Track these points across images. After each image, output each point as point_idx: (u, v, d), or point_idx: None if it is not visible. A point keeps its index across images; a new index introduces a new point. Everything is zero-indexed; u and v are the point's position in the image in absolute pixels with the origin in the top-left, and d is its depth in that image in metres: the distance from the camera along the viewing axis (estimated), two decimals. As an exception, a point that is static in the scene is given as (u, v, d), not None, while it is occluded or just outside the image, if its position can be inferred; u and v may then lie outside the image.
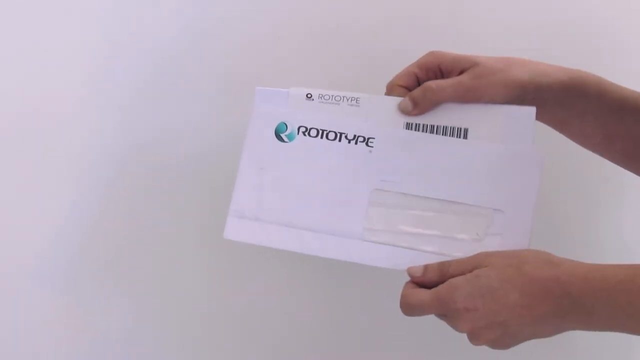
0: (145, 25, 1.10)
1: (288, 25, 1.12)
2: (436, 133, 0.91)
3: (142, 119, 1.11)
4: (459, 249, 0.89)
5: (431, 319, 0.90)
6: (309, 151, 0.91)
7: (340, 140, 0.91)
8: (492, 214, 0.90)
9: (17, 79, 1.09)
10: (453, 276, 0.85)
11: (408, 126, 0.91)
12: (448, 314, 0.85)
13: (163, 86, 1.11)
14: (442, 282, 0.86)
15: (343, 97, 0.92)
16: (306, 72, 1.09)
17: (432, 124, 0.91)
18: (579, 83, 0.93)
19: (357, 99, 0.92)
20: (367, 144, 0.91)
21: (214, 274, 1.15)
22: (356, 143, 0.91)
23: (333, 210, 0.90)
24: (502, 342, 0.85)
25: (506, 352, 0.88)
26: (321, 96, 0.92)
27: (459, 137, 0.91)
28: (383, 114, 0.91)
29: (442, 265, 0.87)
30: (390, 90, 0.92)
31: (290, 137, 0.92)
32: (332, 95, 0.92)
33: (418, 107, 0.90)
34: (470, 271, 0.85)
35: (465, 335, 0.86)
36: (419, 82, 0.92)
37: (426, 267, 0.88)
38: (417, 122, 0.91)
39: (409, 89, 0.92)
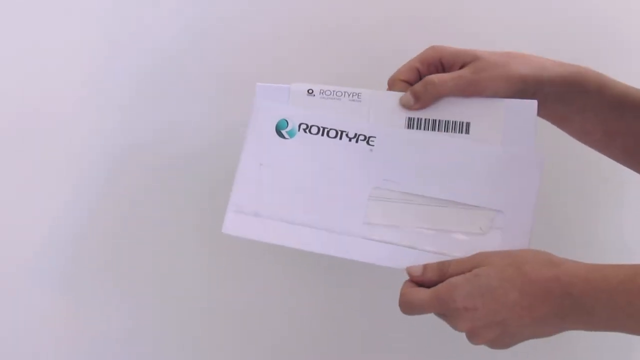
0: (145, 25, 1.10)
1: (288, 25, 1.12)
2: (438, 127, 0.91)
3: (142, 119, 1.11)
4: (459, 249, 0.89)
5: (431, 319, 0.90)
6: (310, 148, 0.91)
7: (341, 138, 0.91)
8: (492, 214, 0.90)
9: (17, 79, 1.09)
10: (452, 276, 0.85)
11: (410, 121, 0.91)
12: (447, 313, 0.85)
13: (163, 86, 1.11)
14: (442, 281, 0.86)
15: (344, 92, 0.92)
16: (306, 72, 1.09)
17: (434, 118, 0.91)
18: (579, 78, 0.93)
19: (358, 94, 0.92)
20: (368, 142, 0.91)
21: (213, 273, 1.15)
22: (357, 141, 0.91)
23: (333, 207, 0.90)
24: (502, 341, 0.85)
25: (505, 352, 0.88)
26: (322, 92, 0.92)
27: (461, 132, 0.91)
28: (384, 109, 0.91)
29: (441, 264, 0.87)
30: (392, 85, 0.93)
31: (291, 134, 0.91)
32: (334, 91, 0.92)
33: (420, 101, 0.90)
34: (470, 270, 0.85)
35: (464, 335, 0.86)
36: (420, 77, 0.92)
37: (426, 267, 0.88)
38: (419, 116, 0.91)
39: (410, 83, 0.92)
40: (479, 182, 0.90)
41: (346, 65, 1.12)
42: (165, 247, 1.13)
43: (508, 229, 0.89)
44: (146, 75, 1.11)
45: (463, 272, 0.85)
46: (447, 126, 0.91)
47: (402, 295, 0.87)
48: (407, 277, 0.88)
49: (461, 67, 0.91)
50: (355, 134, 0.91)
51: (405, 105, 0.91)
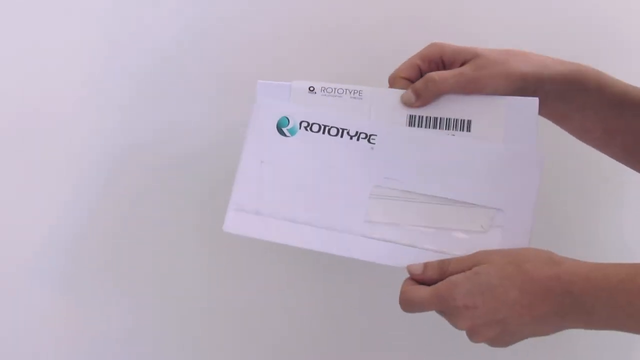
0: (145, 25, 1.10)
1: (288, 25, 1.12)
2: (439, 125, 0.91)
3: (142, 119, 1.11)
4: (459, 247, 0.89)
5: (431, 318, 0.90)
6: (311, 146, 0.91)
7: (342, 136, 0.91)
8: (492, 212, 0.90)
9: (17, 79, 1.09)
10: (453, 274, 0.85)
11: (411, 119, 0.91)
12: (447, 311, 0.85)
13: (163, 86, 1.11)
14: (442, 279, 0.86)
15: (345, 89, 0.92)
16: (306, 72, 1.08)
17: (435, 116, 0.91)
18: (579, 76, 0.93)
19: (359, 92, 0.92)
20: (369, 140, 0.91)
21: (213, 273, 1.15)
22: (358, 139, 0.91)
23: (334, 205, 0.90)
24: (501, 340, 0.85)
25: (506, 351, 0.88)
26: (324, 89, 0.92)
27: (462, 130, 0.91)
28: (386, 106, 0.91)
29: (442, 263, 0.87)
30: (393, 82, 0.93)
31: (292, 132, 0.91)
32: (335, 88, 0.92)
33: (420, 98, 0.90)
34: (470, 269, 0.85)
35: (464, 333, 0.86)
36: (421, 74, 0.92)
37: (426, 265, 0.88)
38: (420, 114, 0.91)
39: (411, 80, 0.92)
40: (480, 180, 0.90)
41: (346, 66, 1.12)
42: (165, 247, 1.13)
43: (508, 227, 0.89)
44: (146, 75, 1.11)
45: (463, 270, 0.85)
46: (448, 124, 0.91)
47: (402, 293, 0.87)
48: (407, 275, 0.89)
49: (462, 65, 0.91)
50: (357, 132, 0.91)
51: (406, 103, 0.91)
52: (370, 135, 0.91)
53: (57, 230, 1.11)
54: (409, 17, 1.12)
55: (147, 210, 1.13)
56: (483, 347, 0.88)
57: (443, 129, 0.91)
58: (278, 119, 0.92)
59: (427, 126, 0.91)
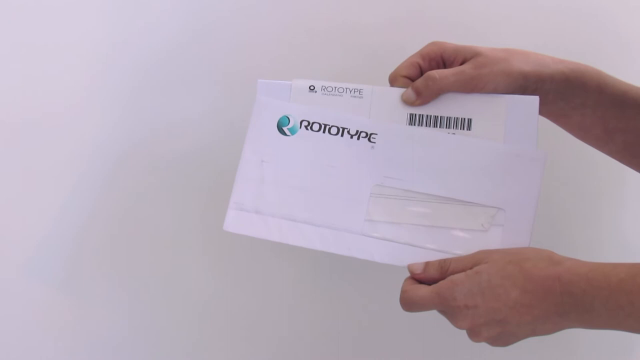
0: (146, 24, 1.10)
1: (288, 23, 1.12)
2: (440, 124, 0.91)
3: (142, 118, 1.11)
4: (460, 246, 0.89)
5: (431, 317, 0.90)
6: (311, 145, 0.91)
7: (342, 135, 0.91)
8: (493, 211, 0.90)
9: (17, 79, 1.09)
10: (453, 273, 0.86)
11: (411, 117, 0.91)
12: (448, 310, 0.85)
13: (163, 85, 1.11)
14: (443, 279, 0.86)
15: (346, 88, 0.92)
16: (307, 71, 1.09)
17: (436, 114, 0.91)
18: (579, 75, 0.93)
19: (360, 91, 0.92)
20: (369, 139, 0.91)
21: (213, 272, 1.15)
22: (358, 138, 0.91)
23: (334, 204, 0.90)
24: (502, 339, 0.85)
25: (506, 350, 0.88)
26: (324, 88, 0.92)
27: (463, 128, 0.91)
28: (386, 105, 0.91)
29: (442, 262, 0.87)
30: (394, 81, 0.92)
31: (293, 131, 0.91)
32: (335, 87, 0.92)
33: (421, 96, 0.90)
34: (471, 268, 0.85)
35: (465, 333, 0.86)
36: (421, 72, 0.92)
37: (427, 264, 0.88)
38: (421, 112, 0.91)
39: (412, 79, 0.92)
40: (481, 179, 0.90)
41: (346, 65, 1.12)
42: (165, 246, 1.13)
43: (509, 226, 0.89)
44: (146, 74, 1.11)
45: (464, 270, 0.85)
46: (449, 122, 0.91)
47: (403, 292, 0.87)
48: (407, 274, 0.88)
49: (462, 63, 0.91)
50: (357, 131, 0.91)
51: (406, 101, 0.91)
52: (370, 134, 0.91)
53: (56, 230, 1.11)
54: (410, 16, 1.12)
55: (147, 209, 1.13)
56: (483, 346, 0.88)
57: (444, 127, 0.91)
58: (278, 118, 0.92)
59: (428, 125, 0.91)
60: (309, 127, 0.91)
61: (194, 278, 1.14)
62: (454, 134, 0.91)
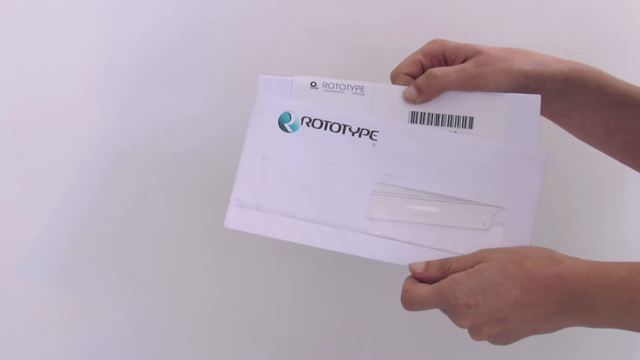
0: (146, 24, 1.10)
1: (290, 21, 1.12)
2: (441, 122, 0.91)
3: (142, 118, 1.11)
4: (461, 245, 0.89)
5: (432, 316, 0.90)
6: (312, 142, 0.91)
7: (344, 132, 0.91)
8: (494, 210, 0.90)
9: (17, 79, 1.09)
10: (454, 272, 0.86)
11: (413, 115, 0.91)
12: (449, 309, 0.85)
13: (163, 85, 1.11)
14: (444, 277, 0.86)
15: (347, 85, 0.92)
16: (308, 68, 1.09)
17: (437, 112, 0.91)
18: (580, 75, 0.93)
19: (361, 88, 0.92)
20: (371, 137, 0.91)
21: (214, 272, 1.14)
22: (360, 136, 0.91)
23: (335, 202, 0.90)
24: (503, 338, 0.85)
25: (507, 349, 0.88)
26: (325, 85, 0.92)
27: (464, 127, 0.91)
28: (388, 102, 0.91)
29: (443, 261, 0.87)
30: (395, 78, 0.92)
31: (294, 128, 0.91)
32: (337, 84, 0.92)
33: (422, 94, 0.90)
34: (472, 267, 0.85)
35: (466, 331, 0.86)
36: (423, 70, 0.92)
37: (428, 263, 0.88)
38: (422, 110, 0.91)
39: (413, 76, 0.92)
40: (482, 178, 0.90)
41: (348, 61, 1.12)
42: (166, 244, 1.13)
43: (510, 225, 0.89)
44: (147, 73, 1.11)
45: (465, 269, 0.85)
46: (450, 121, 0.91)
47: (404, 291, 0.87)
48: (408, 273, 0.88)
49: (463, 61, 0.91)
50: (359, 128, 0.91)
51: (408, 99, 0.91)
52: (372, 132, 0.91)
53: (56, 230, 1.11)
54: (410, 16, 1.12)
55: (147, 209, 1.13)
56: (484, 345, 0.88)
57: (445, 125, 0.91)
58: (280, 114, 0.91)
59: (429, 123, 0.91)
60: (310, 124, 0.91)
61: (194, 278, 1.14)
62: (455, 132, 0.91)
